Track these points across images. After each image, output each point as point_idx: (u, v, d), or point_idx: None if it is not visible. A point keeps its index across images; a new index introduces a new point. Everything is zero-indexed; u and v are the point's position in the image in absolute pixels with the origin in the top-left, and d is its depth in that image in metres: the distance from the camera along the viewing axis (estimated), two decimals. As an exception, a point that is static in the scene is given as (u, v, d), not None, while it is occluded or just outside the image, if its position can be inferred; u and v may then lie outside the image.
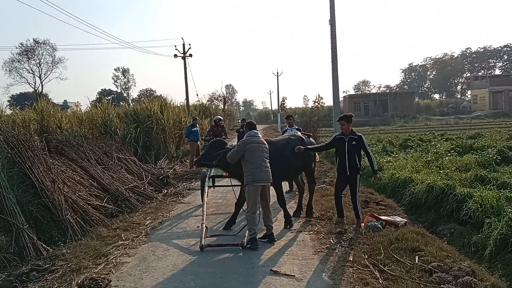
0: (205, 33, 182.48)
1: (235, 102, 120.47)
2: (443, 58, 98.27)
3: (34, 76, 63.69)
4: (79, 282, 4.97)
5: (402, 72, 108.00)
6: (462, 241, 6.42)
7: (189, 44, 30.76)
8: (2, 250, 6.19)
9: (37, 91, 63.04)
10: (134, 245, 6.53)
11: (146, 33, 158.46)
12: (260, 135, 6.71)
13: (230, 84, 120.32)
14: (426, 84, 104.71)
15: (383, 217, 6.93)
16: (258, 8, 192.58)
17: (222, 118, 15.38)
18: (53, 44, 64.26)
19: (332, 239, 6.34)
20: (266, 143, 6.70)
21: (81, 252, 6.04)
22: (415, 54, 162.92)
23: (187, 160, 15.98)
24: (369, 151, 6.78)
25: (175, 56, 30.55)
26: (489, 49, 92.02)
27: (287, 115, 11.02)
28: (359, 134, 6.77)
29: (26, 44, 62.32)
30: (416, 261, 5.05)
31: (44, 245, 6.26)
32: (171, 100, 21.61)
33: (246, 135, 6.66)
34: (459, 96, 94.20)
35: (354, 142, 6.65)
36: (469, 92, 79.87)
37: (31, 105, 19.89)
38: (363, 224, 6.71)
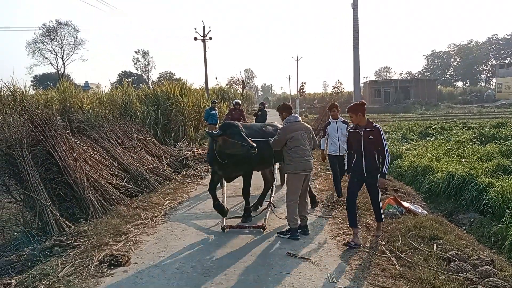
0: (225, 17, 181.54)
1: (253, 86, 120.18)
2: (468, 45, 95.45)
3: (56, 57, 64.64)
4: (100, 258, 5.11)
5: (425, 58, 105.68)
6: (482, 231, 6.33)
7: (209, 27, 30.72)
8: (26, 225, 6.41)
9: (59, 72, 64.03)
10: (153, 225, 6.66)
11: (167, 16, 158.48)
12: (300, 119, 6.16)
13: (249, 68, 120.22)
14: (449, 71, 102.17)
15: (405, 204, 6.85)
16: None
17: (240, 102, 15.38)
18: (75, 26, 65.05)
19: (349, 225, 6.33)
20: (309, 127, 6.16)
21: (102, 230, 6.20)
22: (439, 40, 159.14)
23: (206, 143, 16.09)
24: (386, 147, 5.48)
25: (195, 38, 30.51)
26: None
27: (331, 104, 8.57)
28: (377, 125, 5.55)
29: (49, 25, 63.20)
30: (434, 249, 5.01)
31: (66, 222, 6.45)
32: (192, 84, 21.68)
33: (286, 120, 6.06)
34: (483, 84, 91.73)
35: (370, 136, 5.43)
36: (494, 80, 77.69)
37: (53, 86, 20.24)
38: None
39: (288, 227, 5.95)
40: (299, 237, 5.82)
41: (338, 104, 8.42)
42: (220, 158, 6.09)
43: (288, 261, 5.01)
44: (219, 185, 7.64)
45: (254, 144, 5.76)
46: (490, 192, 6.93)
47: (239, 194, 8.52)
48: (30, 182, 6.45)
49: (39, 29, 62.88)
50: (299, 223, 6.02)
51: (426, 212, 6.82)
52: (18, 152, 6.59)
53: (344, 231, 6.08)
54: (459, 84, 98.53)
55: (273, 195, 7.33)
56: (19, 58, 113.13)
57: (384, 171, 5.47)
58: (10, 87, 14.19)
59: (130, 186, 8.68)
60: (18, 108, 7.83)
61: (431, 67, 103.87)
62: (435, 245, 5.12)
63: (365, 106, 5.64)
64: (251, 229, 6.27)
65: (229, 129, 5.91)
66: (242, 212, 6.87)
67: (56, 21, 63.49)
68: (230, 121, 7.30)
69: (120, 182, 8.52)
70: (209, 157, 6.65)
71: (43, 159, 6.99)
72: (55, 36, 63.65)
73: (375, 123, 5.59)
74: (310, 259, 5.04)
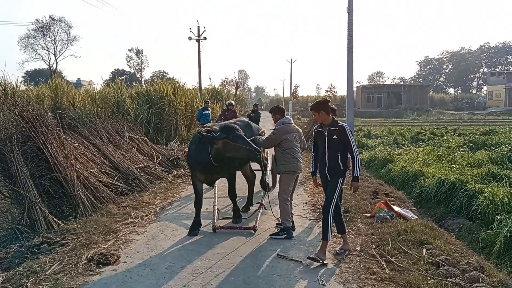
0: (220, 17, 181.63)
1: (247, 88, 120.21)
2: (460, 52, 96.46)
3: (49, 53, 64.09)
4: (88, 256, 5.06)
5: (418, 64, 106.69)
6: (471, 237, 6.38)
7: (204, 27, 30.65)
8: (14, 222, 6.34)
9: (52, 68, 63.49)
10: (143, 224, 6.62)
11: (161, 14, 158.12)
12: (293, 121, 6.33)
13: (242, 70, 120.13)
14: (442, 78, 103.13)
15: (396, 209, 6.89)
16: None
17: (233, 102, 15.35)
18: (69, 22, 64.54)
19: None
20: (300, 130, 6.34)
21: (91, 228, 6.14)
22: (432, 47, 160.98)
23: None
24: (354, 148, 5.09)
25: (190, 38, 30.41)
26: (508, 44, 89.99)
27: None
28: (342, 124, 5.17)
29: (42, 20, 62.66)
30: (424, 254, 5.04)
31: (55, 219, 6.38)
32: (184, 83, 21.56)
33: (280, 122, 6.16)
34: (474, 92, 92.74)
35: (335, 136, 5.06)
36: (485, 87, 78.67)
37: (45, 82, 20.07)
38: (343, 243, 5.45)
39: (279, 228, 6.02)
40: (293, 236, 5.90)
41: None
42: (215, 161, 5.93)
43: (279, 263, 5.00)
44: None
45: (259, 148, 5.77)
46: (479, 198, 6.99)
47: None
48: (19, 178, 6.37)
49: (32, 24, 62.43)
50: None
51: (416, 217, 6.87)
52: (8, 147, 6.51)
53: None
54: (451, 90, 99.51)
55: (265, 196, 7.33)
56: (11, 53, 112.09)
57: (356, 173, 5.08)
58: (1, 82, 14.03)
59: (121, 184, 8.62)
60: (8, 103, 7.72)
61: (424, 73, 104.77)
62: (424, 250, 5.16)
63: (329, 104, 5.24)
64: (242, 230, 6.26)
65: (232, 132, 5.77)
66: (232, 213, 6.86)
67: (50, 16, 63.03)
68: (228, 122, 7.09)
69: (110, 180, 8.46)
70: (194, 159, 6.19)
71: (33, 155, 6.91)
72: (48, 32, 63.14)
73: (340, 122, 5.22)
74: (300, 261, 5.04)
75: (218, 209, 6.77)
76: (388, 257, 5.04)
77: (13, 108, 7.28)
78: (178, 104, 18.04)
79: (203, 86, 31.37)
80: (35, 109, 7.28)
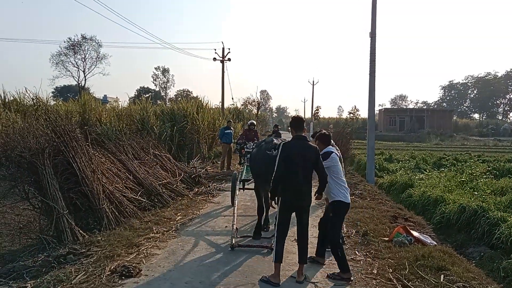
0: (244, 39, 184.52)
1: (268, 108, 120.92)
2: (486, 77, 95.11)
3: (78, 70, 66.33)
4: (112, 268, 5.24)
5: (442, 89, 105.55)
6: (492, 266, 6.29)
7: (229, 49, 31.31)
8: (42, 232, 6.59)
9: (80, 84, 65.58)
10: (164, 239, 6.79)
11: (187, 36, 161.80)
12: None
13: (265, 90, 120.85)
14: (466, 103, 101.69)
15: (414, 233, 6.87)
16: (297, 17, 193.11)
17: (255, 123, 15.59)
18: (99, 41, 66.90)
19: (358, 251, 6.37)
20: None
21: (114, 241, 6.34)
22: (456, 71, 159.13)
23: (219, 161, 16.29)
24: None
25: (214, 59, 31.11)
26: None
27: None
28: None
29: (73, 39, 65.16)
30: (441, 280, 5.02)
31: (81, 231, 6.62)
32: (207, 103, 22.00)
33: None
34: (500, 118, 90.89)
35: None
36: (511, 114, 77.04)
37: (73, 97, 20.83)
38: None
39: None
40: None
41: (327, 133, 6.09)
42: None
43: (295, 284, 5.07)
44: (231, 202, 7.61)
45: None
46: (502, 227, 6.90)
47: (250, 213, 8.66)
48: (49, 190, 6.65)
49: (64, 42, 64.96)
50: None
51: (435, 243, 6.81)
52: (40, 160, 6.82)
53: (353, 257, 6.11)
54: (476, 116, 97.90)
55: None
56: (42, 69, 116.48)
57: None
58: (34, 98, 14.75)
59: (144, 200, 8.84)
60: (40, 117, 8.10)
61: (448, 98, 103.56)
62: (442, 276, 5.13)
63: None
64: (260, 248, 6.35)
65: None
66: (252, 231, 7.07)
67: (81, 35, 65.49)
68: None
69: (134, 195, 8.69)
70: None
71: (63, 169, 7.20)
72: (79, 50, 65.56)
73: None
74: (315, 283, 5.09)
75: (236, 227, 6.90)
76: (405, 281, 5.04)
77: (46, 123, 7.64)
78: (200, 123, 18.41)
79: (225, 105, 31.82)
80: (67, 125, 7.61)
